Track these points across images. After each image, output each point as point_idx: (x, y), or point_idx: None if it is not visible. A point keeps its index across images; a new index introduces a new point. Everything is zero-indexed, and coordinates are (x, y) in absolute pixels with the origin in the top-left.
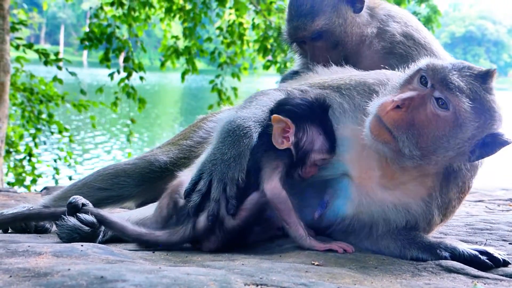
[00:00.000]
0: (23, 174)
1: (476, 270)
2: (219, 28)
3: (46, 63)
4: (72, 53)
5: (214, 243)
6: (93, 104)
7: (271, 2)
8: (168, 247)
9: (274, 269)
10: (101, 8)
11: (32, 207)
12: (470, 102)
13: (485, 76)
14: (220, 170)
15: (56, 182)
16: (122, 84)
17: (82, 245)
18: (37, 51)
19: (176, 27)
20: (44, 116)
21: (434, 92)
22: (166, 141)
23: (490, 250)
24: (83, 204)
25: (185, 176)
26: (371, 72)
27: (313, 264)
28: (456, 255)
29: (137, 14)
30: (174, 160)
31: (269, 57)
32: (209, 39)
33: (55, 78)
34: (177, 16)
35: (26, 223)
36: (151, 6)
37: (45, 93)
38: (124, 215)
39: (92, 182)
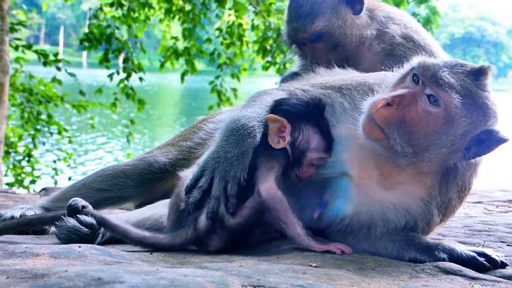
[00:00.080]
0: (22, 175)
1: (474, 271)
2: (219, 29)
3: (45, 63)
4: (71, 54)
5: (217, 242)
6: (92, 105)
7: (270, 3)
8: (172, 250)
9: (272, 271)
10: (101, 9)
11: (30, 207)
12: (460, 98)
13: (478, 73)
14: (223, 168)
15: (56, 182)
16: (121, 85)
17: (79, 246)
18: (36, 51)
19: (175, 28)
20: (43, 116)
21: (425, 89)
22: (165, 142)
23: (488, 251)
24: (83, 206)
25: (189, 173)
26: (372, 74)
27: (311, 265)
28: (454, 257)
29: (136, 15)
30: (174, 161)
31: (269, 58)
32: (208, 40)
33: (54, 79)
34: (177, 17)
35: None
36: (150, 7)
37: (44, 93)
38: (123, 216)
39: (91, 183)
